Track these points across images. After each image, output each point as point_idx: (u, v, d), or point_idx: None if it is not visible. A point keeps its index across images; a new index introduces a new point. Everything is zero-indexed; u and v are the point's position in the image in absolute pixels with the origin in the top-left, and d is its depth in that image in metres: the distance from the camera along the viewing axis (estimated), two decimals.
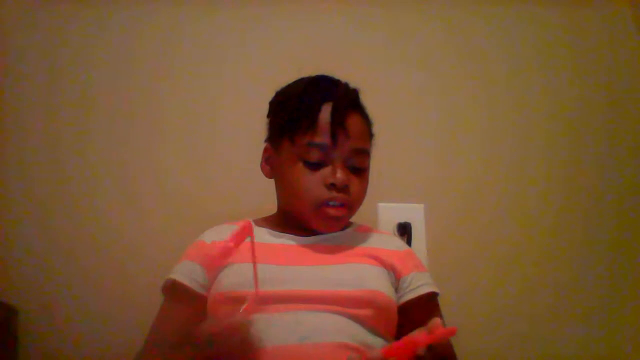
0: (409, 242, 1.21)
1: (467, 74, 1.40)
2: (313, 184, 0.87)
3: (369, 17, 1.40)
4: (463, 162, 1.35)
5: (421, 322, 0.85)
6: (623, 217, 1.35)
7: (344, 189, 0.87)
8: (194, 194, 1.25)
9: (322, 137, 0.86)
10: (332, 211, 0.87)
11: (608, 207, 1.36)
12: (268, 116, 0.97)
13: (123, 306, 1.16)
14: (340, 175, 0.86)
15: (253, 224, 0.95)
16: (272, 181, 0.97)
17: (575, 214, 1.35)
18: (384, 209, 1.26)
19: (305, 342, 0.72)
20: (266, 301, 0.76)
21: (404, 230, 1.24)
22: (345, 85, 0.94)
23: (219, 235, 0.92)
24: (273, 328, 0.74)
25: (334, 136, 0.86)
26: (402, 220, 1.25)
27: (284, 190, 0.93)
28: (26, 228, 1.20)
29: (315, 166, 0.87)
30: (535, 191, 1.35)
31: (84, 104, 1.28)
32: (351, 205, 0.90)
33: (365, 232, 0.97)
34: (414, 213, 1.27)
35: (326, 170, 0.87)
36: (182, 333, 0.81)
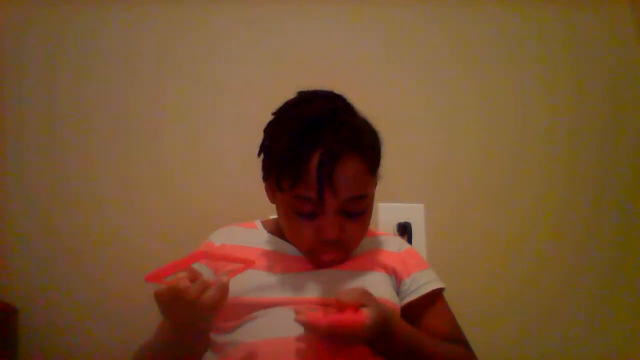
0: (409, 242, 1.21)
1: (466, 74, 1.40)
2: (304, 235, 0.83)
3: (368, 18, 1.40)
4: (463, 162, 1.35)
5: (426, 321, 0.86)
6: (623, 217, 1.35)
7: (336, 242, 0.82)
8: (195, 194, 1.25)
9: (310, 192, 0.78)
10: (325, 258, 0.85)
11: (607, 207, 1.36)
12: (259, 154, 0.89)
13: (123, 306, 1.16)
14: (331, 231, 0.80)
15: (262, 227, 0.96)
16: None
17: (574, 213, 1.35)
18: (384, 209, 1.26)
19: (303, 336, 0.72)
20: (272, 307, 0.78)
21: (404, 230, 1.24)
22: (341, 122, 0.81)
23: (228, 237, 0.93)
24: (273, 321, 0.76)
25: (320, 192, 0.77)
26: (402, 220, 1.25)
27: (280, 224, 0.90)
28: (26, 228, 1.20)
29: (306, 216, 0.82)
30: (535, 191, 1.35)
31: (84, 104, 1.28)
32: (347, 249, 0.87)
33: (368, 236, 0.97)
34: (414, 213, 1.27)
35: (318, 222, 0.81)
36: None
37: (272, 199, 0.91)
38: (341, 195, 0.79)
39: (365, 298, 0.72)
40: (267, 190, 0.92)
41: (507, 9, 1.44)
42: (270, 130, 0.88)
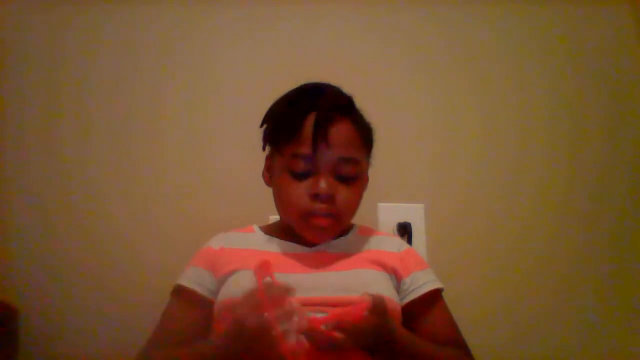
0: (409, 242, 1.21)
1: (466, 74, 1.40)
2: (298, 195, 0.86)
3: (369, 18, 1.40)
4: (463, 162, 1.35)
5: (426, 321, 0.87)
6: (623, 217, 1.35)
7: (329, 199, 0.85)
8: (195, 195, 1.25)
9: (305, 148, 0.84)
10: (317, 222, 0.86)
11: (607, 207, 1.36)
12: (261, 126, 0.96)
13: (123, 306, 1.16)
14: (323, 185, 0.84)
15: (259, 231, 0.96)
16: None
17: (574, 213, 1.35)
18: (384, 209, 1.26)
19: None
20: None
21: (404, 230, 1.24)
22: (333, 92, 0.90)
23: (226, 241, 0.93)
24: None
25: (315, 146, 0.84)
26: (402, 220, 1.25)
27: (277, 199, 0.93)
28: (26, 228, 1.20)
29: (300, 177, 0.86)
30: (535, 191, 1.35)
31: (84, 104, 1.28)
32: (339, 215, 0.88)
33: (367, 234, 0.98)
34: (414, 213, 1.27)
35: (311, 181, 0.85)
36: (186, 334, 0.83)
37: (269, 179, 0.95)
38: (335, 151, 0.85)
39: (379, 307, 0.72)
40: (265, 171, 0.96)
41: (507, 8, 1.44)
42: (272, 105, 0.94)
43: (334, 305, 0.78)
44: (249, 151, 1.22)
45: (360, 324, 0.69)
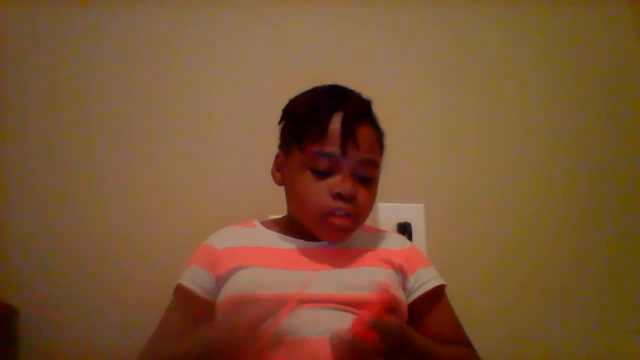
0: None
1: (466, 74, 1.40)
2: (319, 193, 0.85)
3: (368, 19, 1.40)
4: (463, 162, 1.35)
5: (430, 319, 0.87)
6: (622, 216, 1.35)
7: (350, 199, 0.85)
8: (194, 194, 1.25)
9: (332, 147, 0.85)
10: (337, 221, 0.86)
11: (607, 207, 1.36)
12: (279, 123, 0.96)
13: (123, 306, 1.16)
14: (347, 185, 0.85)
15: (261, 226, 0.96)
16: (274, 183, 0.97)
17: (574, 213, 1.35)
18: (384, 209, 1.26)
19: (323, 336, 0.72)
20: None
21: (404, 230, 1.24)
22: (358, 95, 0.93)
23: (231, 239, 0.92)
24: (292, 322, 0.75)
25: (343, 146, 0.85)
26: (402, 220, 1.25)
27: (292, 197, 0.92)
28: (26, 228, 1.20)
29: (323, 175, 0.86)
30: (535, 190, 1.35)
31: (84, 104, 1.28)
32: (357, 217, 0.88)
33: (371, 232, 0.98)
34: (414, 213, 1.27)
35: (334, 180, 0.86)
36: (184, 332, 0.83)
37: (280, 178, 0.94)
38: (361, 151, 0.86)
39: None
40: (274, 170, 0.95)
41: (507, 8, 1.44)
42: (292, 102, 0.95)
43: (345, 302, 0.78)
44: (249, 150, 1.22)
45: (386, 321, 0.70)
